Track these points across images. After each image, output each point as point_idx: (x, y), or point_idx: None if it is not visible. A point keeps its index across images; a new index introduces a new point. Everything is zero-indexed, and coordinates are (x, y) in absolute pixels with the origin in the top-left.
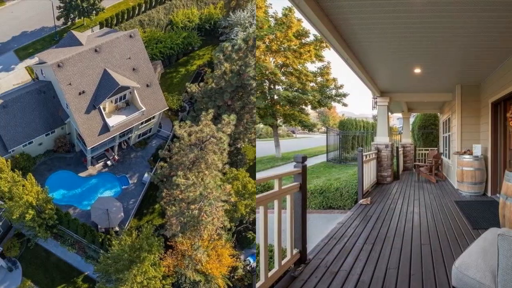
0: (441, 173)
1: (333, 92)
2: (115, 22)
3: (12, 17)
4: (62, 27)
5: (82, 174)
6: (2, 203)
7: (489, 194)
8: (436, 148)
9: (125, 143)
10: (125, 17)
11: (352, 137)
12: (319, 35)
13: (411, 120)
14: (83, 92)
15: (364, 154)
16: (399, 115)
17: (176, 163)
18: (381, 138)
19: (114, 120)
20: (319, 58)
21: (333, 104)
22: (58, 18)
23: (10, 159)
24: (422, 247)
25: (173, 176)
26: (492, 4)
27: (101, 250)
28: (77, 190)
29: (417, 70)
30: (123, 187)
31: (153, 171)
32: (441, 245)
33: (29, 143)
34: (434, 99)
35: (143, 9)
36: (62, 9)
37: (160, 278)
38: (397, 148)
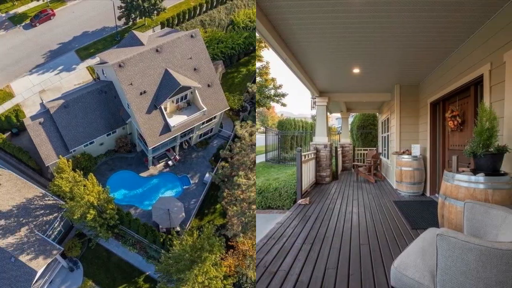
0: (380, 173)
1: (272, 92)
2: (176, 22)
3: (73, 17)
4: (123, 27)
5: (143, 174)
6: (64, 203)
7: (428, 194)
8: (375, 148)
9: (186, 143)
10: (186, 17)
11: (291, 137)
12: (257, 35)
13: (350, 120)
14: (144, 92)
15: (303, 154)
16: (338, 115)
17: (237, 163)
18: (320, 138)
19: (175, 120)
20: (258, 58)
21: (272, 104)
22: (119, 18)
23: (71, 159)
24: (361, 247)
25: (234, 176)
26: (430, 4)
27: (162, 250)
28: (138, 190)
29: (356, 70)
30: (184, 187)
31: (214, 171)
32: (380, 245)
33: (90, 143)
34: (373, 99)
35: (204, 9)
36: (123, 9)
37: (221, 278)
38: (336, 148)
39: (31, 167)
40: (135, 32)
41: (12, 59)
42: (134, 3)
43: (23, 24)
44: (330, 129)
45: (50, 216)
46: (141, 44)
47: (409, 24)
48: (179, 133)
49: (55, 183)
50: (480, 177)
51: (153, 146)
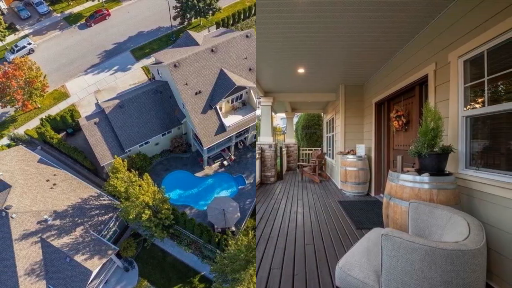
0: (324, 173)
1: None
2: (231, 22)
3: (128, 17)
4: (178, 27)
5: (199, 174)
6: (119, 203)
7: (372, 194)
8: (319, 148)
9: (241, 143)
10: (242, 17)
11: None
12: None
13: (295, 120)
14: (200, 92)
15: None
16: (283, 115)
17: None
18: (265, 138)
19: (231, 120)
20: None
21: None
22: (175, 18)
23: (127, 159)
24: (306, 247)
25: None
26: (375, 4)
27: (218, 250)
28: (194, 190)
29: (301, 70)
30: (240, 187)
31: None
32: (325, 245)
33: (146, 143)
34: (318, 99)
35: None
36: (178, 9)
37: None
38: (281, 148)
39: (86, 167)
40: (190, 32)
41: (67, 59)
42: (190, 3)
43: (78, 24)
44: (275, 129)
45: (105, 216)
46: (196, 44)
47: (354, 24)
48: (234, 133)
49: (110, 183)
50: (425, 177)
51: (208, 146)
